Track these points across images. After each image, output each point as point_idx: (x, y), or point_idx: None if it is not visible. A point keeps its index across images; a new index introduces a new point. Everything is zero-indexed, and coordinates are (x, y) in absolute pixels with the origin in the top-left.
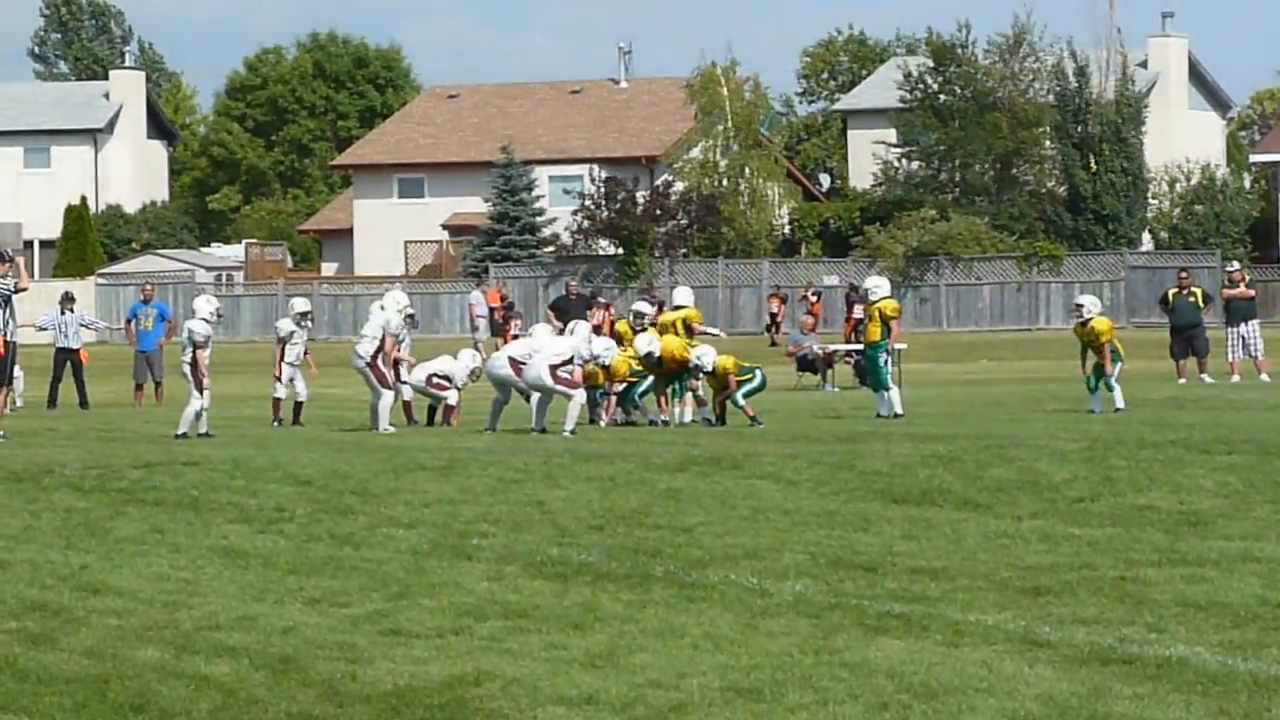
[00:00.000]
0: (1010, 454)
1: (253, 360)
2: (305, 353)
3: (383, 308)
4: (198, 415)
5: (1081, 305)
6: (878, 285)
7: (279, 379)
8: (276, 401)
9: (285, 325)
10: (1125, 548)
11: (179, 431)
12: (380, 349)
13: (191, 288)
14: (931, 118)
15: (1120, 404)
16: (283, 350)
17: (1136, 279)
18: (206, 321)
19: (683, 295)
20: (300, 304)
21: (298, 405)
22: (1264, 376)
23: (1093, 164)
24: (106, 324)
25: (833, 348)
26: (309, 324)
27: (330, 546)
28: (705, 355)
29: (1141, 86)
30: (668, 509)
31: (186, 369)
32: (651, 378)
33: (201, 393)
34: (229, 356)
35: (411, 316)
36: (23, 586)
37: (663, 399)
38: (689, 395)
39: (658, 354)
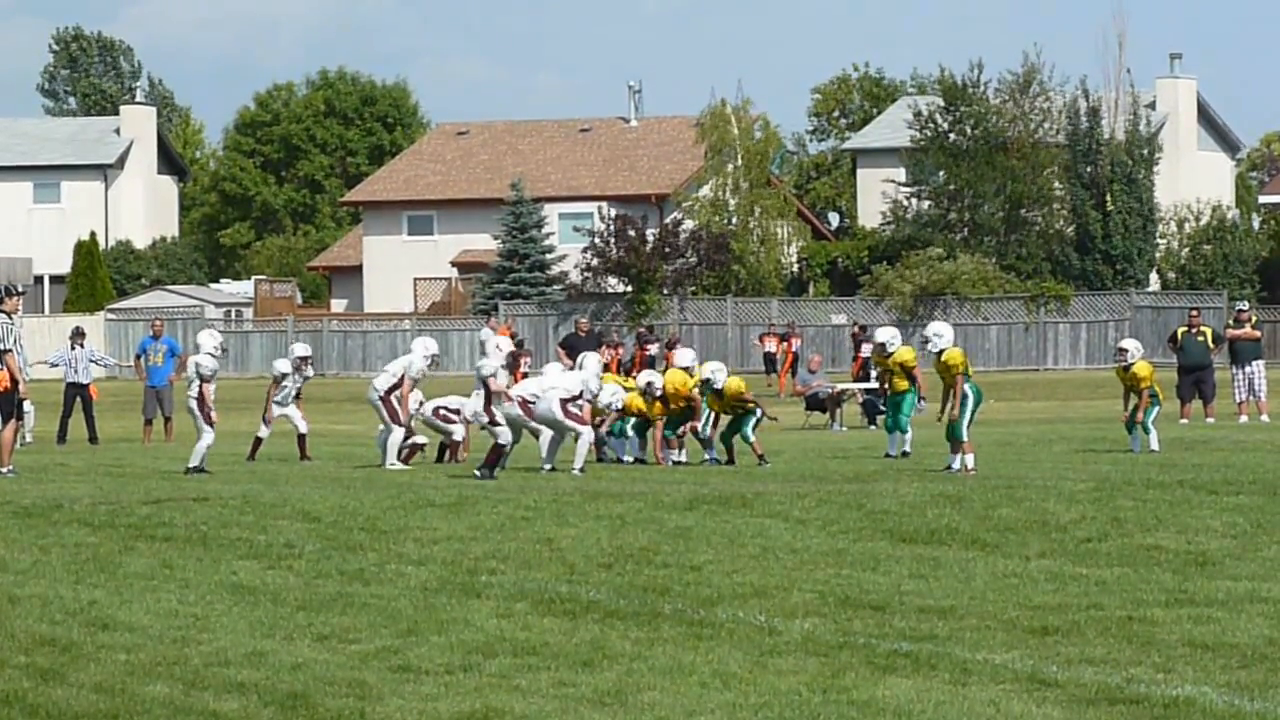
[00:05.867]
0: (1018, 494)
1: (262, 397)
2: (298, 396)
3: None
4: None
5: (1125, 350)
6: (894, 337)
7: (267, 419)
8: (258, 440)
9: (281, 366)
10: (1133, 588)
11: (192, 465)
12: (396, 385)
13: (201, 323)
14: (942, 157)
15: (1155, 446)
16: (271, 390)
17: (1143, 319)
18: (212, 355)
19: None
20: (300, 349)
21: (301, 439)
22: (1264, 417)
23: (1107, 204)
24: (115, 360)
25: (841, 386)
26: (308, 370)
27: (340, 583)
28: (718, 373)
29: (1151, 127)
30: (677, 547)
31: (193, 404)
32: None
33: (212, 426)
34: (238, 393)
35: (435, 360)
36: (32, 621)
37: (668, 437)
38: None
39: (659, 387)
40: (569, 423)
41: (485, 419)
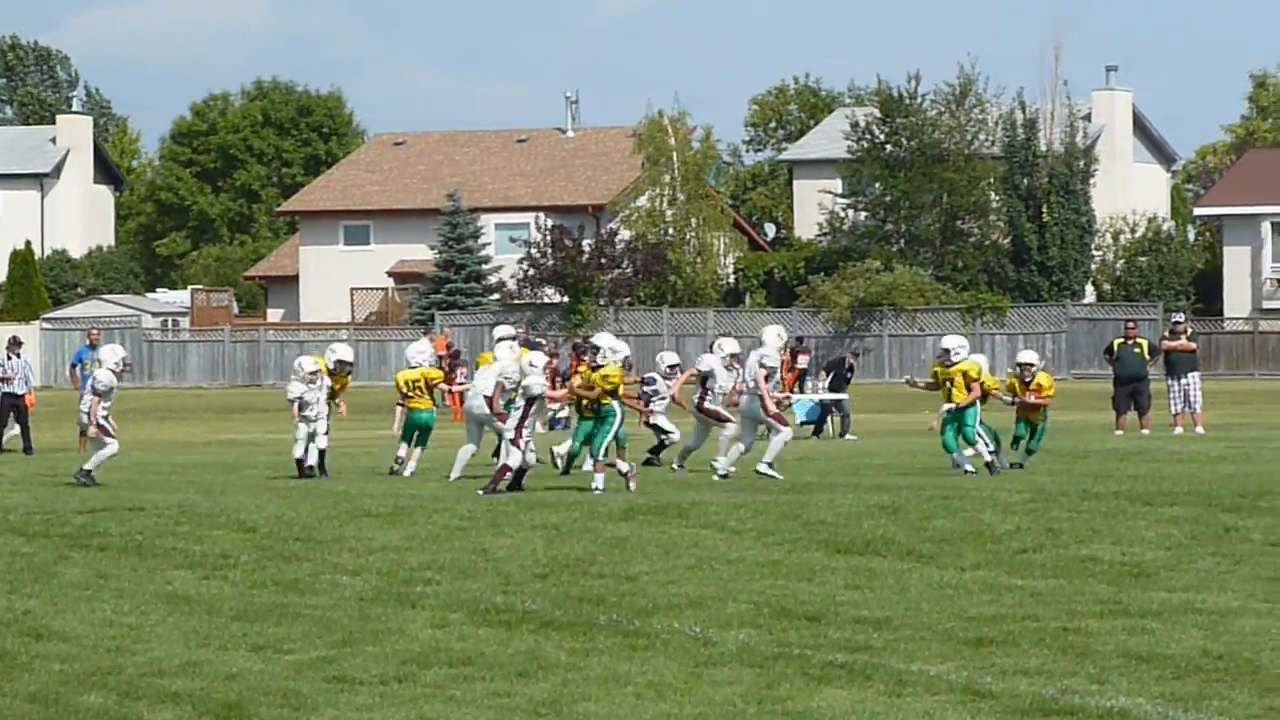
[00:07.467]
0: (954, 505)
1: (200, 406)
2: (333, 398)
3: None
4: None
5: (948, 350)
6: (961, 345)
7: (296, 438)
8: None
9: (295, 389)
10: (1068, 599)
11: (86, 467)
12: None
13: (138, 333)
14: (878, 168)
15: (966, 462)
16: (297, 410)
17: (1079, 330)
18: (112, 372)
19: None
20: (308, 363)
21: (320, 454)
22: (1199, 429)
23: (1044, 215)
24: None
25: (779, 396)
26: (323, 379)
27: (275, 593)
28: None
29: (1087, 139)
30: (613, 558)
31: (83, 416)
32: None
33: (110, 437)
34: (176, 402)
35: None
36: None
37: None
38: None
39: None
40: (495, 423)
41: (511, 434)
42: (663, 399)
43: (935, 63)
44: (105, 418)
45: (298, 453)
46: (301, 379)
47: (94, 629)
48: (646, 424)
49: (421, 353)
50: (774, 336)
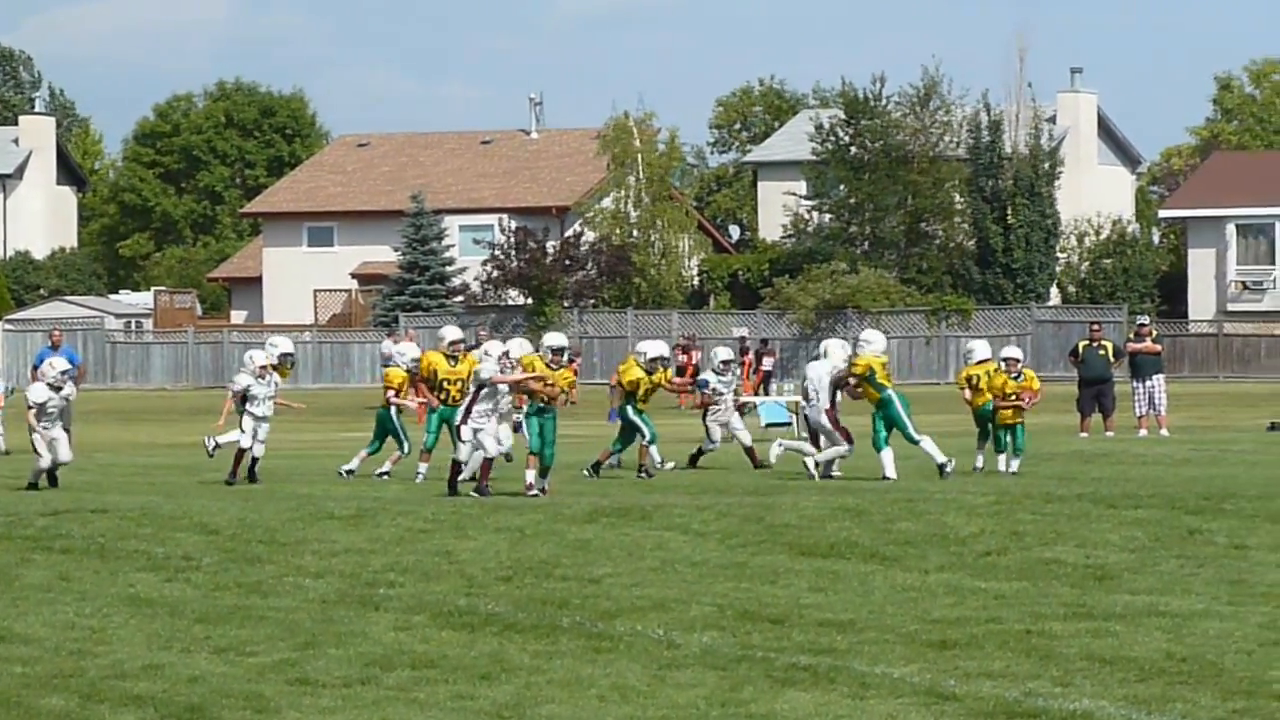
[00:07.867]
0: (918, 507)
1: (163, 407)
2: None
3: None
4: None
5: (866, 340)
6: (867, 340)
7: (242, 430)
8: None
9: (242, 380)
10: (1032, 601)
11: (30, 480)
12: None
13: (101, 334)
14: (843, 170)
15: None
16: (240, 402)
17: (1044, 333)
18: (50, 387)
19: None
20: (259, 356)
21: (253, 459)
22: (1164, 431)
23: (1009, 217)
24: None
25: (743, 399)
26: (271, 376)
27: (238, 595)
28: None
29: (1052, 141)
30: (576, 560)
31: (29, 433)
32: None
33: (37, 453)
34: (139, 403)
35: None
36: None
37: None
38: None
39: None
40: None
41: (458, 419)
42: (721, 395)
43: (900, 65)
44: (56, 427)
45: (244, 443)
46: (251, 372)
47: (56, 631)
48: (705, 420)
49: (402, 355)
50: (838, 348)
